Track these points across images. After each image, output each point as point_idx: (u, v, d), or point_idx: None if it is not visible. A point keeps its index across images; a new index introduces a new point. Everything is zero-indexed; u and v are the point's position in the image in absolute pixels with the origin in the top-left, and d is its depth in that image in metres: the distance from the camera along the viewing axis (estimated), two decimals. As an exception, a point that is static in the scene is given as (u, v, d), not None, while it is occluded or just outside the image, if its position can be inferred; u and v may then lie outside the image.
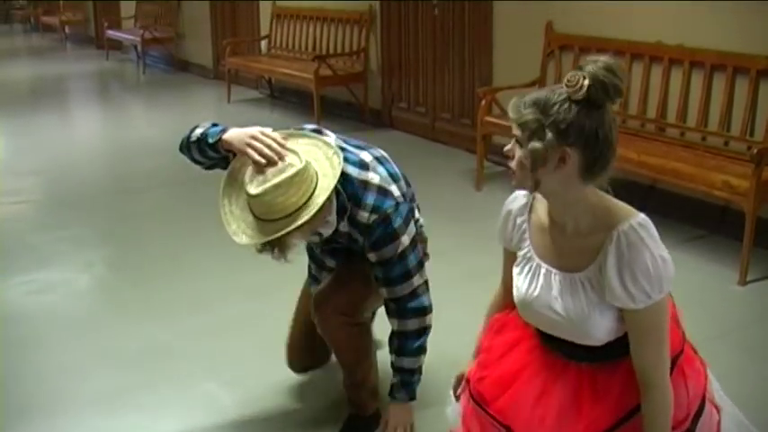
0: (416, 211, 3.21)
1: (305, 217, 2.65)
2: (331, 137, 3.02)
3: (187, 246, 5.47)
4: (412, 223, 2.98)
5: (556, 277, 2.26)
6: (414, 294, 2.99)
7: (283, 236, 2.70)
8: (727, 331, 4.10)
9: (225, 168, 3.08)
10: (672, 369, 2.22)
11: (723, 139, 5.24)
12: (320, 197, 2.68)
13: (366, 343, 3.26)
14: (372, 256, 2.94)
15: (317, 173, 2.73)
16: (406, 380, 3.09)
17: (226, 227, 2.89)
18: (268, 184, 2.65)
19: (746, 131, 5.11)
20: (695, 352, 2.39)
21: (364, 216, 2.88)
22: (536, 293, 2.29)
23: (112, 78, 13.90)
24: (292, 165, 2.68)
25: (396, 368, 3.10)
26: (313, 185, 2.70)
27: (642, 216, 2.16)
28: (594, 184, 2.17)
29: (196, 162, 3.28)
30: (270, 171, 2.70)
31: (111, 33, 15.12)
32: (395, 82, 8.55)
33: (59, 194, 6.75)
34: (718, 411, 2.35)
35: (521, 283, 2.34)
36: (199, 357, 4.01)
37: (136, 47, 14.09)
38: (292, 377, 3.65)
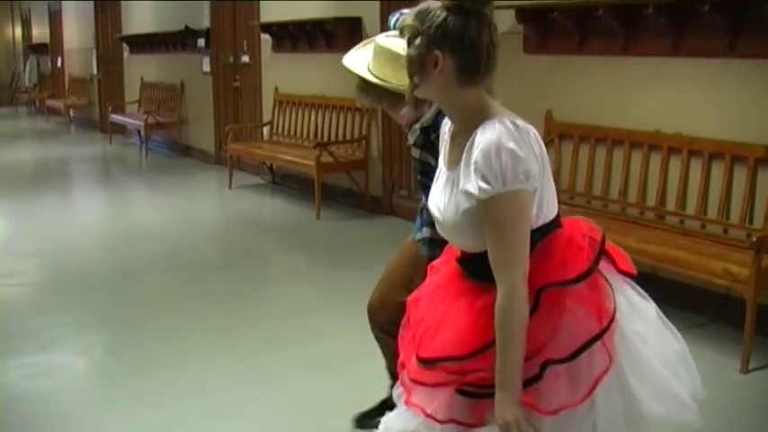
0: None
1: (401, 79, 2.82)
2: None
3: (186, 330, 5.45)
4: None
5: (443, 175, 2.36)
6: None
7: (376, 85, 3.10)
8: (730, 422, 4.05)
9: None
10: (547, 288, 2.20)
11: (722, 227, 5.26)
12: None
13: None
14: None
15: None
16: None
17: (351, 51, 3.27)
18: (395, 48, 3.00)
19: (745, 219, 5.14)
20: (612, 292, 2.26)
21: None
22: (432, 195, 2.40)
23: (115, 162, 14.01)
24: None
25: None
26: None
27: (514, 119, 2.22)
28: (477, 89, 2.26)
29: None
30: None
31: (114, 117, 15.30)
32: (396, 169, 8.62)
33: (59, 277, 6.75)
34: (610, 362, 2.19)
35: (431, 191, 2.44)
36: (196, 443, 3.97)
37: (139, 131, 14.24)
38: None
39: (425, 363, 2.31)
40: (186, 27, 12.61)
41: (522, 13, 6.29)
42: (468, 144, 2.22)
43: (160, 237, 8.07)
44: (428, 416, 2.27)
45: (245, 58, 11.45)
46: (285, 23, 9.89)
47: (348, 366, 4.69)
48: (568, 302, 2.20)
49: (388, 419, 2.45)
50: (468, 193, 2.20)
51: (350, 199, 9.03)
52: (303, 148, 9.57)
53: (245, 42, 11.44)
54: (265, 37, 10.66)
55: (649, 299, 2.41)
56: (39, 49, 23.46)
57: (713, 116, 5.35)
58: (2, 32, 28.22)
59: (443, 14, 2.21)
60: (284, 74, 10.40)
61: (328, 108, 9.45)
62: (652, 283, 5.67)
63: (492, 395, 2.20)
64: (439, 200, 2.35)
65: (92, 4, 17.47)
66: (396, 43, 3.00)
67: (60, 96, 20.35)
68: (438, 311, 2.38)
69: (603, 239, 2.33)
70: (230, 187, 10.49)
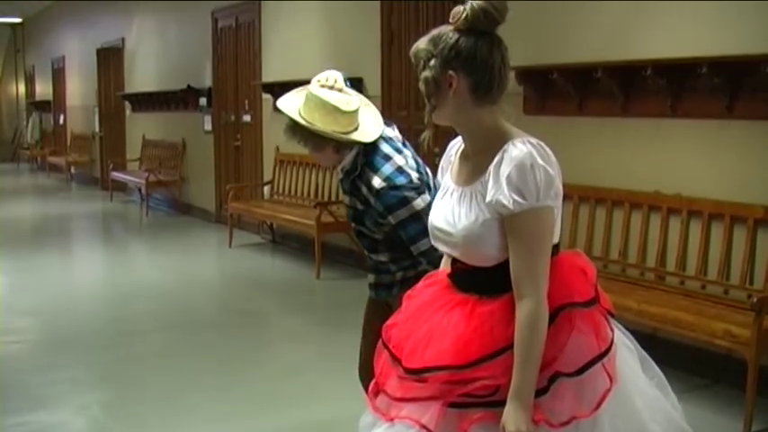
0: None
1: (321, 126, 3.30)
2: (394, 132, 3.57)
3: (184, 389, 5.41)
4: (427, 196, 3.28)
5: (457, 192, 2.43)
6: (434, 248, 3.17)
7: (304, 128, 3.32)
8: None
9: None
10: (562, 309, 2.28)
11: (723, 288, 5.25)
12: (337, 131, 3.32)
13: None
14: (391, 219, 3.27)
15: (358, 123, 3.38)
16: None
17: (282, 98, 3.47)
18: (325, 96, 3.32)
19: (746, 280, 5.13)
20: (608, 322, 2.37)
21: (377, 182, 3.28)
22: (440, 210, 2.46)
23: (115, 219, 14.04)
24: (348, 103, 3.34)
25: None
26: (350, 125, 3.35)
27: (538, 141, 2.33)
28: (491, 109, 2.37)
29: None
30: (333, 91, 3.37)
31: (115, 175, 15.36)
32: (395, 227, 8.61)
33: (58, 335, 6.72)
34: (611, 382, 2.27)
35: (433, 206, 2.54)
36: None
37: (140, 189, 14.27)
38: None
39: (416, 372, 2.34)
40: (188, 86, 12.72)
41: (522, 74, 6.34)
42: (497, 160, 2.29)
43: (159, 295, 8.05)
44: (423, 426, 2.29)
45: (247, 118, 11.53)
46: (287, 83, 9.94)
47: (345, 428, 4.64)
48: (578, 321, 2.30)
49: None
50: (497, 204, 2.27)
51: (350, 259, 9.02)
52: (303, 208, 9.59)
53: (246, 102, 11.53)
54: (267, 96, 10.74)
55: (632, 338, 2.51)
56: (41, 105, 23.64)
57: (712, 177, 5.37)
58: (6, 89, 28.45)
59: (455, 36, 2.33)
60: (285, 133, 10.44)
61: (328, 168, 9.47)
62: (653, 344, 5.64)
63: (489, 404, 2.26)
64: (449, 214, 2.41)
65: (95, 61, 17.63)
66: (326, 94, 3.32)
67: (62, 153, 20.46)
68: (427, 325, 2.42)
69: (596, 276, 2.44)
70: (230, 246, 10.48)
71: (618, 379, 2.29)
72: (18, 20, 25.81)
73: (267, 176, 10.89)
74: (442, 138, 2.64)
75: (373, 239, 3.49)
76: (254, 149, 11.38)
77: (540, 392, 2.23)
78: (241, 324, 7.02)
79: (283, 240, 10.62)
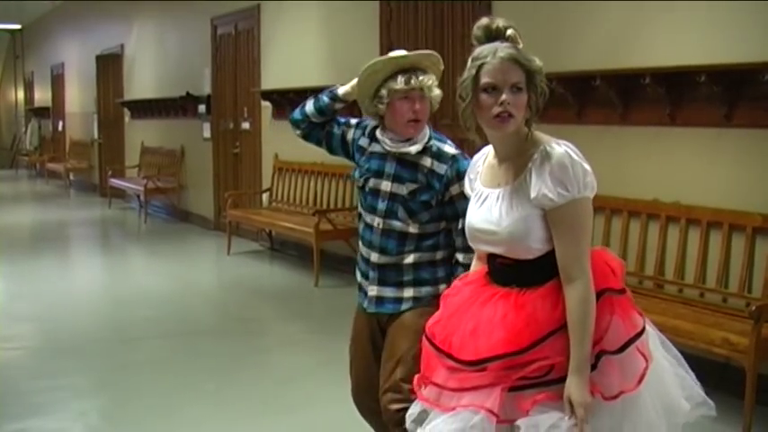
0: None
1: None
2: None
3: (182, 396, 5.41)
4: None
5: (493, 194, 2.63)
6: None
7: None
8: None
9: (324, 138, 3.77)
10: (601, 296, 2.49)
11: (721, 296, 5.26)
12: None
13: None
14: (455, 188, 3.36)
15: None
16: None
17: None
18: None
19: (744, 288, 5.13)
20: (637, 311, 2.59)
21: (450, 149, 3.45)
22: (478, 213, 2.66)
23: (114, 226, 14.04)
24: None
25: None
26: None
27: (567, 144, 2.57)
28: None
29: (308, 124, 3.77)
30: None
31: (114, 182, 15.37)
32: (394, 235, 8.61)
33: (56, 342, 6.72)
34: (647, 361, 2.50)
35: (469, 212, 2.72)
36: None
37: (138, 196, 14.27)
38: None
39: (475, 364, 2.50)
40: (187, 93, 12.73)
41: (521, 83, 6.34)
42: (536, 161, 2.52)
43: (158, 302, 8.05)
44: (488, 410, 2.45)
45: (246, 125, 11.53)
46: (286, 91, 9.98)
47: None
48: (615, 305, 2.52)
49: (435, 426, 2.56)
50: (543, 197, 2.48)
51: (348, 266, 9.00)
52: (302, 215, 9.59)
53: (245, 109, 11.54)
54: (266, 104, 10.75)
55: (648, 321, 2.68)
56: (40, 112, 23.67)
57: (711, 185, 5.38)
58: (5, 95, 28.49)
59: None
60: (284, 141, 10.44)
61: (327, 175, 9.49)
62: (651, 352, 5.60)
63: (545, 384, 2.46)
64: (489, 215, 2.61)
65: (94, 68, 17.65)
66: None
67: (61, 160, 20.48)
68: (474, 320, 2.59)
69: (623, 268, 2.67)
70: (229, 253, 10.48)
71: (652, 357, 2.51)
72: (17, 26, 25.85)
73: (266, 184, 10.89)
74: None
75: (403, 236, 3.47)
76: (252, 157, 11.39)
77: (590, 369, 2.45)
78: (239, 331, 7.02)
79: (282, 248, 10.62)
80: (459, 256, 3.40)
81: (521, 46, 2.60)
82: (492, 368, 2.48)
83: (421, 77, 3.42)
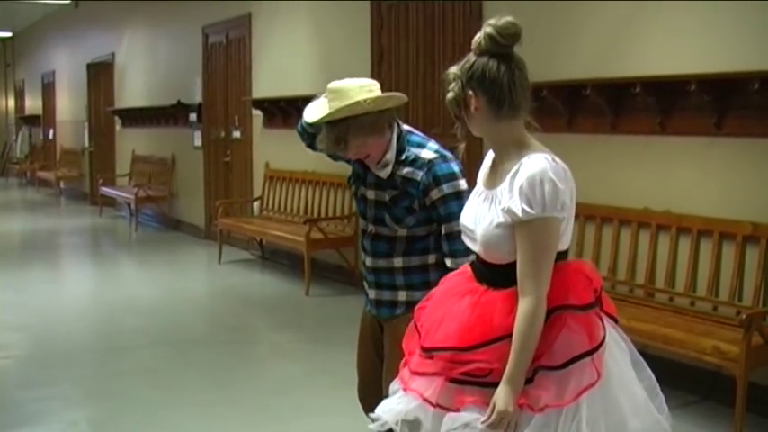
0: None
1: (366, 95, 3.26)
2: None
3: (173, 406, 5.40)
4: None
5: (483, 194, 2.71)
6: None
7: (344, 119, 3.23)
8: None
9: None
10: (556, 310, 2.52)
11: (712, 305, 5.26)
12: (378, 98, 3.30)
13: None
14: (434, 193, 3.32)
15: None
16: None
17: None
18: (340, 81, 3.35)
19: (735, 296, 5.14)
20: (603, 323, 2.58)
21: (429, 153, 3.37)
22: (468, 209, 2.76)
23: (104, 235, 14.01)
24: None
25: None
26: (383, 99, 3.33)
27: (554, 156, 2.58)
28: (512, 123, 2.63)
29: (308, 135, 3.66)
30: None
31: (105, 190, 15.33)
32: (385, 243, 8.60)
33: (45, 351, 6.70)
34: (598, 377, 2.50)
35: (466, 206, 2.80)
36: None
37: (129, 204, 14.24)
38: None
39: (428, 351, 2.64)
40: (178, 101, 12.72)
41: (512, 92, 6.35)
42: (513, 171, 2.55)
43: (148, 311, 8.03)
44: (425, 399, 2.60)
45: (237, 134, 11.53)
46: (276, 99, 9.98)
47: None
48: (569, 320, 2.53)
49: (388, 402, 2.77)
50: (509, 211, 2.52)
51: (339, 275, 9.01)
52: (293, 224, 9.58)
53: (236, 118, 11.53)
54: (257, 113, 10.75)
55: (628, 341, 2.73)
56: (31, 120, 23.63)
57: (701, 194, 5.39)
58: (-5, 104, 28.42)
59: (473, 60, 2.62)
60: (275, 149, 10.46)
61: (318, 184, 9.49)
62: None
63: (482, 384, 2.54)
64: (473, 214, 2.70)
65: (85, 76, 17.62)
66: (340, 81, 3.35)
67: (51, 168, 20.43)
68: (443, 309, 2.71)
69: (601, 286, 2.67)
70: (220, 262, 10.46)
71: (604, 374, 2.51)
72: (8, 34, 25.81)
73: (257, 192, 10.88)
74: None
75: (392, 240, 3.46)
76: (243, 165, 11.38)
77: (526, 382, 2.50)
78: (229, 340, 7.00)
79: (273, 257, 10.60)
80: (448, 261, 3.37)
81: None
82: (439, 358, 2.61)
83: (331, 146, 3.35)
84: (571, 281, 2.59)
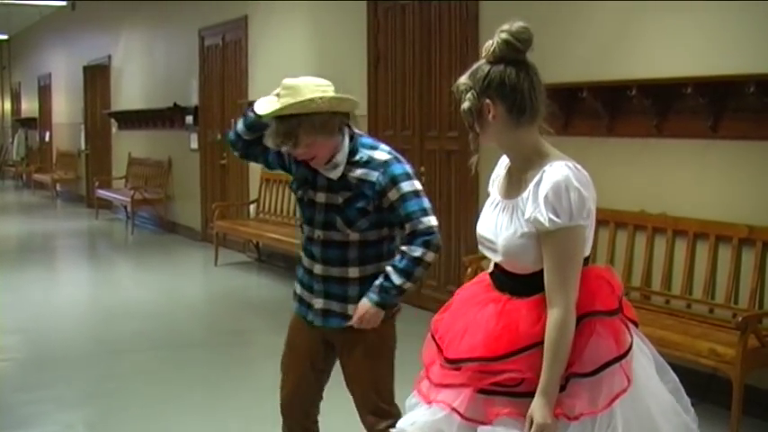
0: None
1: (320, 93, 3.27)
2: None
3: (169, 408, 5.39)
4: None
5: (501, 204, 2.65)
6: (429, 231, 3.34)
7: (296, 115, 3.21)
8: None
9: (260, 154, 3.64)
10: (584, 317, 2.49)
11: (708, 307, 5.27)
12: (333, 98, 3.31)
13: None
14: (392, 194, 3.32)
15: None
16: (386, 287, 3.33)
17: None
18: (294, 79, 3.38)
19: (731, 299, 5.15)
20: (629, 329, 2.57)
21: (383, 154, 3.37)
22: (484, 220, 2.69)
23: (101, 237, 14.00)
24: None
25: (384, 275, 3.35)
26: (336, 101, 3.34)
27: (575, 163, 2.55)
28: (530, 129, 2.60)
29: (243, 142, 3.64)
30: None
31: (101, 193, 15.32)
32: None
33: (42, 353, 6.69)
34: (629, 383, 2.47)
35: (481, 216, 2.73)
36: None
37: (126, 207, 14.24)
38: None
39: (453, 362, 2.59)
40: (175, 104, 12.72)
41: (508, 94, 6.36)
42: (536, 179, 2.51)
43: (144, 314, 8.02)
44: (453, 409, 2.54)
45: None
46: (273, 102, 9.96)
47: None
48: (598, 327, 2.51)
49: (413, 415, 2.69)
50: (535, 221, 2.48)
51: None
52: (289, 227, 9.58)
53: (233, 120, 11.51)
54: (253, 115, 10.73)
55: (650, 345, 2.72)
56: (27, 122, 23.62)
57: (697, 196, 5.40)
58: (-9, 106, 28.41)
59: (487, 68, 2.55)
60: (272, 151, 10.45)
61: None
62: (638, 363, 5.59)
63: (513, 395, 2.50)
64: (493, 225, 2.64)
65: (81, 79, 17.62)
66: (293, 79, 3.37)
67: (47, 170, 20.42)
68: (464, 319, 2.66)
69: (622, 290, 2.68)
70: (216, 265, 10.46)
71: (633, 381, 2.49)
72: (4, 36, 25.81)
73: (253, 195, 10.88)
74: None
75: (344, 246, 3.41)
76: (239, 168, 11.37)
77: (559, 390, 2.47)
78: (226, 343, 7.00)
79: (269, 259, 10.60)
80: (403, 247, 3.37)
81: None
82: (466, 369, 2.55)
83: (282, 140, 3.31)
84: (594, 286, 2.57)
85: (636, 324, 2.68)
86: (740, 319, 4.54)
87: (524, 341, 2.51)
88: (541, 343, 2.48)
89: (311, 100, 3.24)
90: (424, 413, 2.65)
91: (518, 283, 2.60)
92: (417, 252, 3.32)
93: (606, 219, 5.87)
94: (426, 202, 3.39)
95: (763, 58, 4.92)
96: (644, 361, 2.62)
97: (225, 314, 8.24)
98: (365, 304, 3.36)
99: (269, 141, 3.43)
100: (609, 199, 5.89)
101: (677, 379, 2.72)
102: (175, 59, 13.19)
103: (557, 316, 2.46)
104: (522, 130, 2.59)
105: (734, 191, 5.20)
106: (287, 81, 3.36)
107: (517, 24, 2.55)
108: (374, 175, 3.33)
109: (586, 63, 5.99)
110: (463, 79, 2.59)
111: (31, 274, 10.18)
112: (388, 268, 3.35)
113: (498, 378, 2.50)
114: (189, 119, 12.53)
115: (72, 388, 5.84)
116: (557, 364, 2.45)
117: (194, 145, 12.52)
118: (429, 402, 2.64)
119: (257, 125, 3.49)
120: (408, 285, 3.37)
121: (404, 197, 3.32)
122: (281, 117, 3.28)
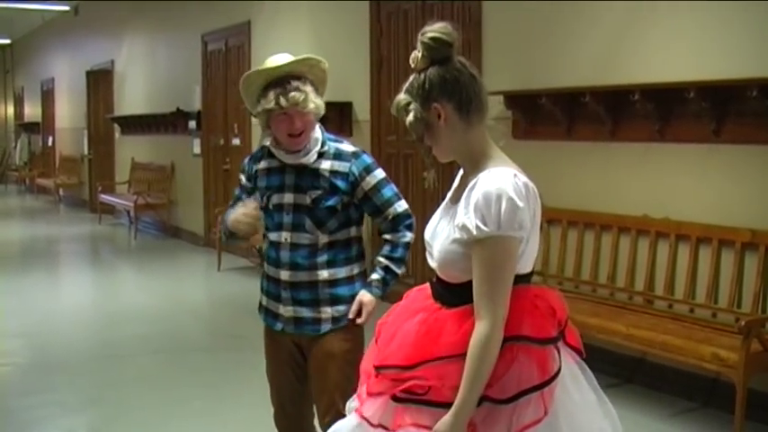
0: None
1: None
2: None
3: (172, 413, 5.39)
4: None
5: (443, 209, 2.57)
6: (409, 214, 3.48)
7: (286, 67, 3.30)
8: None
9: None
10: (507, 341, 2.33)
11: (711, 311, 5.26)
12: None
13: None
14: (367, 182, 3.39)
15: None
16: (388, 279, 3.44)
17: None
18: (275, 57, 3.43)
19: (734, 303, 5.14)
20: (559, 356, 2.39)
21: (349, 147, 3.44)
22: (430, 224, 2.60)
23: (104, 242, 14.00)
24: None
25: (383, 267, 3.43)
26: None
27: (517, 171, 2.40)
28: (480, 129, 2.47)
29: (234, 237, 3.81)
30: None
31: (104, 198, 15.32)
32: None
33: (45, 358, 6.69)
34: (545, 414, 2.33)
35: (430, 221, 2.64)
36: None
37: (128, 212, 14.24)
38: None
39: (377, 369, 2.52)
40: (178, 109, 12.73)
41: (511, 99, 6.38)
42: (471, 185, 2.39)
43: (147, 318, 8.02)
44: (363, 418, 2.50)
45: (236, 141, 11.53)
46: (276, 106, 9.97)
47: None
48: (520, 355, 2.36)
49: (340, 424, 2.65)
50: (463, 228, 2.36)
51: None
52: (292, 230, 9.55)
53: (236, 125, 11.54)
54: (256, 120, 10.71)
55: (591, 377, 2.52)
56: (30, 127, 23.65)
57: (700, 201, 5.39)
58: (-5, 111, 28.44)
59: (422, 76, 2.46)
60: (274, 156, 10.45)
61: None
62: (641, 368, 5.65)
63: (423, 403, 2.39)
64: (432, 228, 2.56)
65: (84, 83, 17.64)
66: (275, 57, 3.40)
67: (50, 175, 20.44)
68: (396, 326, 2.57)
69: (567, 318, 2.49)
70: (219, 269, 10.46)
71: (551, 411, 2.34)
72: (7, 41, 25.83)
73: (256, 199, 10.86)
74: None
75: (312, 249, 3.39)
76: (243, 172, 11.34)
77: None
78: (229, 348, 7.00)
79: (272, 263, 10.56)
80: (389, 236, 3.46)
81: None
82: (383, 376, 2.50)
83: (292, 94, 3.27)
84: (528, 308, 2.41)
85: (580, 354, 2.51)
86: (743, 323, 4.53)
87: (441, 351, 2.38)
88: (458, 355, 2.35)
89: (321, 61, 3.46)
90: (348, 421, 2.62)
91: (449, 293, 2.49)
92: (407, 237, 3.46)
93: (609, 223, 5.88)
94: (395, 187, 3.51)
95: (765, 61, 4.92)
96: (574, 391, 2.45)
97: (228, 319, 8.24)
98: (371, 300, 3.41)
99: (270, 104, 3.36)
100: (612, 203, 5.90)
101: (619, 426, 2.54)
102: (178, 64, 13.20)
103: (482, 330, 2.31)
104: (473, 132, 2.45)
105: (737, 195, 5.20)
106: (280, 55, 3.43)
107: (437, 24, 2.50)
108: (346, 166, 3.38)
109: (589, 68, 5.99)
110: (400, 96, 2.49)
111: (34, 279, 10.19)
112: (385, 261, 3.43)
113: (406, 385, 2.41)
114: (192, 124, 12.53)
115: (75, 392, 5.84)
116: (477, 382, 2.31)
117: (197, 150, 12.52)
118: (356, 411, 2.58)
119: (233, 237, 3.76)
120: (403, 270, 3.51)
121: (379, 184, 3.41)
122: (293, 76, 3.35)
